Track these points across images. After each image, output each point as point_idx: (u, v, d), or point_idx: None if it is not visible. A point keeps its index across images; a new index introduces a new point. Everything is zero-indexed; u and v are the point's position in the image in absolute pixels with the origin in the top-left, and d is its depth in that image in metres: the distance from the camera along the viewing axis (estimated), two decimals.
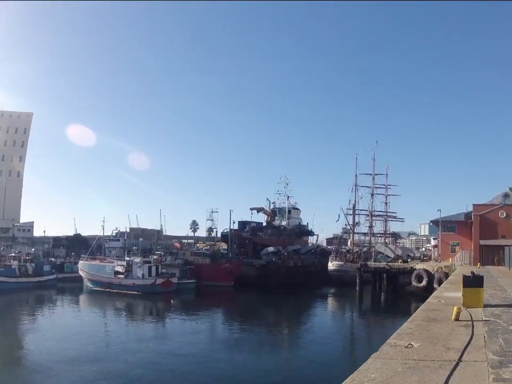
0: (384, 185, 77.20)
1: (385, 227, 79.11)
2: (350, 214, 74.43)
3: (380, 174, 76.20)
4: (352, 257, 70.13)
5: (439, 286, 27.65)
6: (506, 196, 50.16)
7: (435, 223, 59.02)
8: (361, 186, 74.43)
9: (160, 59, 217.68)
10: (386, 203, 77.98)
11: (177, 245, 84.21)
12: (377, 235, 78.78)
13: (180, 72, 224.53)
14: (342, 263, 65.72)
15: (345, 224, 76.11)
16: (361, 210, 75.98)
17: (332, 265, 65.75)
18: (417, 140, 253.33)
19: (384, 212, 78.10)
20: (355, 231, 76.47)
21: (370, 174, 75.47)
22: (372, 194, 75.77)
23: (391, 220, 79.28)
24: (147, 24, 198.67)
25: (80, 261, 64.91)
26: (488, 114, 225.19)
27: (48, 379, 20.25)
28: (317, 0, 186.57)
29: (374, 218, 76.81)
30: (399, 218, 79.39)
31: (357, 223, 75.93)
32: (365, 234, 77.26)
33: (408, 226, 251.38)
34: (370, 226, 76.33)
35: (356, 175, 73.59)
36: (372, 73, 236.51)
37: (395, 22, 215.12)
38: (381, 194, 77.45)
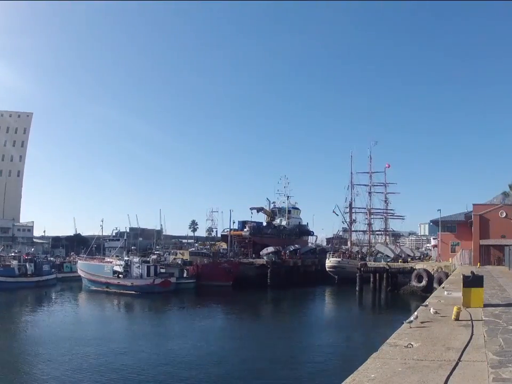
0: (383, 183, 77.27)
1: (385, 225, 79.06)
2: (347, 212, 74.52)
3: (378, 172, 76.29)
4: (349, 254, 70.19)
5: (439, 286, 27.61)
6: (505, 194, 50.02)
7: (435, 223, 59.00)
8: (358, 184, 74.66)
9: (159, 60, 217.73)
10: (385, 201, 77.99)
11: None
12: (377, 233, 78.68)
13: (178, 73, 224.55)
14: (339, 259, 65.64)
15: (343, 222, 76.12)
16: (358, 208, 76.10)
17: (329, 261, 65.60)
18: (417, 140, 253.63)
19: (383, 209, 78.12)
20: (353, 229, 76.62)
21: (368, 172, 75.61)
22: (370, 193, 75.87)
23: (390, 218, 79.20)
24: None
25: (79, 261, 64.88)
26: (489, 114, 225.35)
27: (47, 378, 20.19)
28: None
29: (372, 216, 76.84)
30: (399, 215, 79.37)
31: (354, 220, 75.97)
32: (364, 232, 77.29)
33: (408, 226, 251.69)
34: (369, 224, 76.34)
35: (352, 173, 73.75)
36: (372, 71, 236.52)
37: (398, 15, 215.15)
38: (380, 192, 77.51)
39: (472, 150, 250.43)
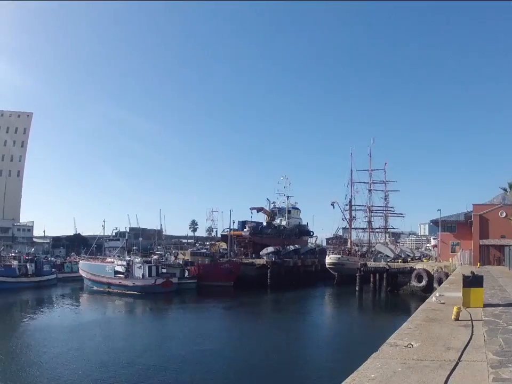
0: (383, 181, 77.17)
1: (385, 222, 78.93)
2: (347, 210, 74.51)
3: (378, 170, 76.19)
4: (349, 251, 70.09)
5: (439, 286, 27.64)
6: (504, 190, 49.77)
7: (435, 223, 58.97)
8: (358, 182, 74.59)
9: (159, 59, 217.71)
10: (385, 199, 77.85)
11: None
12: (377, 230, 78.51)
13: (179, 73, 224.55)
14: (339, 255, 65.60)
15: (343, 219, 75.97)
16: (358, 205, 76.02)
17: (329, 258, 65.44)
18: (416, 139, 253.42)
19: (383, 207, 77.99)
20: (353, 226, 76.60)
21: (367, 170, 75.57)
22: (369, 190, 75.79)
23: (390, 215, 79.03)
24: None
25: (80, 261, 64.96)
26: (489, 113, 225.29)
27: (48, 378, 20.22)
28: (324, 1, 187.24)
29: (372, 213, 76.73)
30: (399, 213, 79.23)
31: (353, 217, 75.93)
32: (363, 229, 77.21)
33: (408, 226, 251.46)
34: (369, 222, 76.23)
35: (351, 170, 73.69)
36: (372, 70, 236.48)
37: (397, 15, 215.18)
38: (379, 190, 77.36)
39: (472, 149, 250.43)
